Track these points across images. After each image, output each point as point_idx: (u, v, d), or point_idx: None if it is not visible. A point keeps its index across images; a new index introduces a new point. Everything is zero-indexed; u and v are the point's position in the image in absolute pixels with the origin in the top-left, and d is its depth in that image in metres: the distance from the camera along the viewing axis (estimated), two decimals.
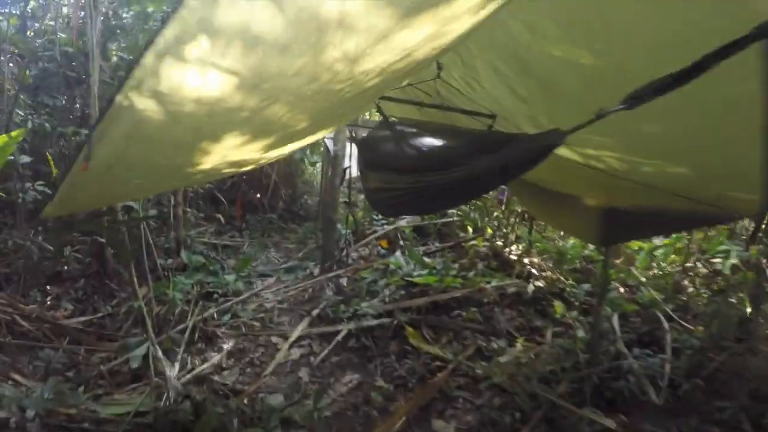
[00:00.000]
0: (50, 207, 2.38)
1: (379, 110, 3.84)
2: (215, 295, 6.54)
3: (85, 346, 5.34)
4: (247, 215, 11.17)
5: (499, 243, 8.16)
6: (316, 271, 7.45)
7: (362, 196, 11.43)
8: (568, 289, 6.91)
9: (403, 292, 6.28)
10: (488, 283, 6.49)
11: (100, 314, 6.19)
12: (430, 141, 3.51)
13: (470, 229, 8.80)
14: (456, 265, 6.86)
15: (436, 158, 3.21)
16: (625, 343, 5.10)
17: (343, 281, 6.94)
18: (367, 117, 7.43)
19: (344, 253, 7.50)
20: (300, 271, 7.63)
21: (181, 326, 5.54)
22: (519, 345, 5.37)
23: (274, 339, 5.56)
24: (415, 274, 6.64)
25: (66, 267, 6.96)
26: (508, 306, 6.44)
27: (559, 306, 6.18)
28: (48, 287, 6.80)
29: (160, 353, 4.74)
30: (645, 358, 4.82)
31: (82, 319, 6.02)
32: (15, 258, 6.72)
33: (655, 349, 5.09)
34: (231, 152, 2.40)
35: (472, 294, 6.23)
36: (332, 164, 7.54)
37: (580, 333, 5.35)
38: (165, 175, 2.77)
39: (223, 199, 11.02)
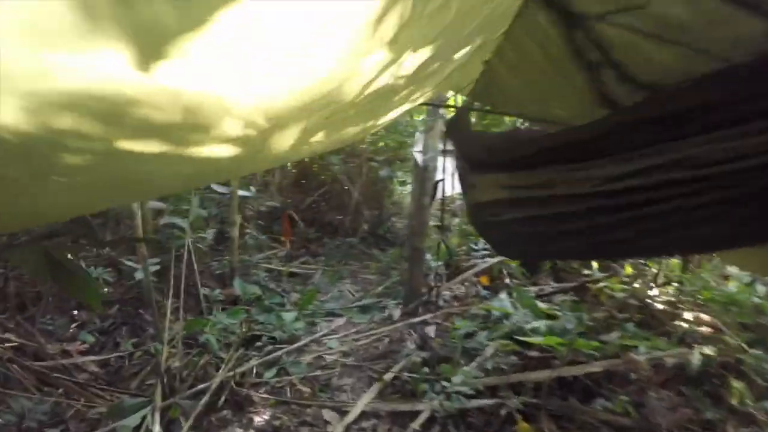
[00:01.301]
0: None
1: None
2: (263, 340, 5.05)
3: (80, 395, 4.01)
4: (324, 239, 9.78)
5: (640, 285, 6.06)
6: (397, 313, 5.78)
7: (457, 219, 9.67)
8: (746, 359, 4.71)
9: (513, 356, 4.42)
10: (635, 348, 4.48)
11: (121, 352, 4.91)
12: None
13: (595, 264, 6.73)
14: (585, 317, 4.89)
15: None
16: None
17: (431, 330, 5.21)
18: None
19: (433, 291, 5.78)
20: (377, 311, 5.99)
21: (205, 384, 4.07)
22: None
23: (326, 414, 3.92)
24: (527, 327, 4.77)
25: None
26: (663, 385, 4.40)
27: (737, 387, 4.10)
28: (76, 312, 5.70)
29: (157, 427, 3.28)
30: None
31: (95, 358, 4.77)
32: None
33: None
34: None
35: (614, 366, 4.25)
36: (421, 179, 5.89)
37: None
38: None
39: (299, 219, 9.71)
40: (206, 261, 6.59)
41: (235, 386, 4.16)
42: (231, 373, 4.20)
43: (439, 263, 6.07)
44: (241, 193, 6.57)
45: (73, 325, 5.52)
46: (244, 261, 6.77)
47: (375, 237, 10.83)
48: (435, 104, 5.07)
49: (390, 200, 12.76)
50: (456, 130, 3.47)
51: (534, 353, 4.42)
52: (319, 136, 1.82)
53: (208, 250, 6.78)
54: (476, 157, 2.51)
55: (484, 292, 5.82)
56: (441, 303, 5.72)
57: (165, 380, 3.96)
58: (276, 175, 10.00)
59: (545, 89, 2.87)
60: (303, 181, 11.04)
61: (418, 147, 9.70)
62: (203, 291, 5.80)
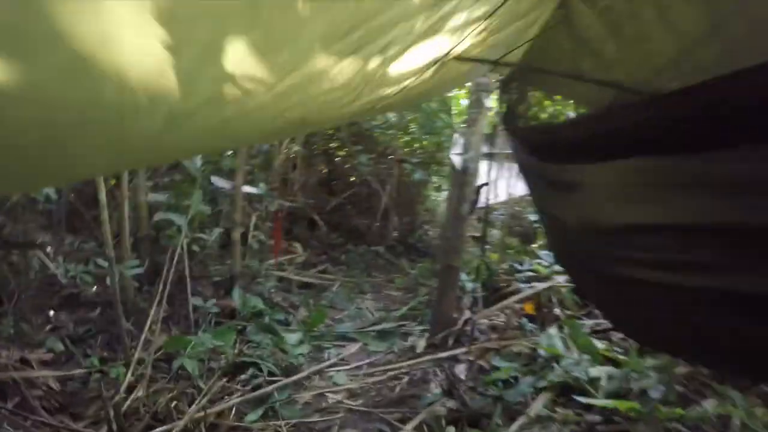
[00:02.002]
0: None
1: None
2: (252, 370, 4.13)
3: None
4: (348, 245, 8.85)
5: None
6: (421, 343, 4.78)
7: (497, 231, 8.61)
8: None
9: (569, 420, 3.37)
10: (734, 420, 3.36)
11: (87, 368, 4.09)
12: None
13: None
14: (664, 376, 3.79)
15: None
16: None
17: (461, 370, 4.20)
18: None
19: (466, 319, 4.77)
20: (398, 339, 5.01)
21: (166, 427, 3.18)
22: None
23: None
24: (584, 376, 3.74)
25: (77, 290, 5.08)
26: None
27: None
28: (52, 313, 4.95)
29: None
30: None
31: (52, 373, 3.95)
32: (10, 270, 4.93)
33: None
34: None
35: None
36: (459, 184, 4.89)
37: None
38: None
39: (321, 222, 8.82)
40: (207, 266, 5.74)
41: (207, 428, 3.26)
42: (202, 413, 3.30)
43: (476, 285, 5.07)
44: (247, 189, 5.71)
45: (47, 328, 4.76)
46: (252, 267, 5.89)
47: (404, 246, 9.86)
48: (481, 60, 4.10)
49: (423, 207, 11.78)
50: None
51: (595, 417, 3.37)
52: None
53: (213, 253, 5.93)
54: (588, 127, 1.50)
55: (529, 325, 4.76)
56: (476, 334, 4.69)
57: (114, 417, 3.08)
58: (299, 173, 9.16)
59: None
60: (332, 182, 10.16)
61: (457, 148, 8.70)
62: (195, 301, 4.94)
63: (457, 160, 7.86)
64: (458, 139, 9.01)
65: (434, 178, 11.88)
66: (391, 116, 10.11)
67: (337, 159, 10.19)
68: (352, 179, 9.69)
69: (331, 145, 10.09)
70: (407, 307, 5.82)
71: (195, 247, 5.39)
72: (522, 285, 5.01)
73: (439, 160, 11.00)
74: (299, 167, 9.27)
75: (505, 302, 5.10)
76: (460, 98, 10.31)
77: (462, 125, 10.60)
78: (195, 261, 5.47)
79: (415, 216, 10.90)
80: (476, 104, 4.60)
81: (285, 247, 6.64)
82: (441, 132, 10.67)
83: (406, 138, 10.57)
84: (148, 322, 4.56)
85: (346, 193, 9.56)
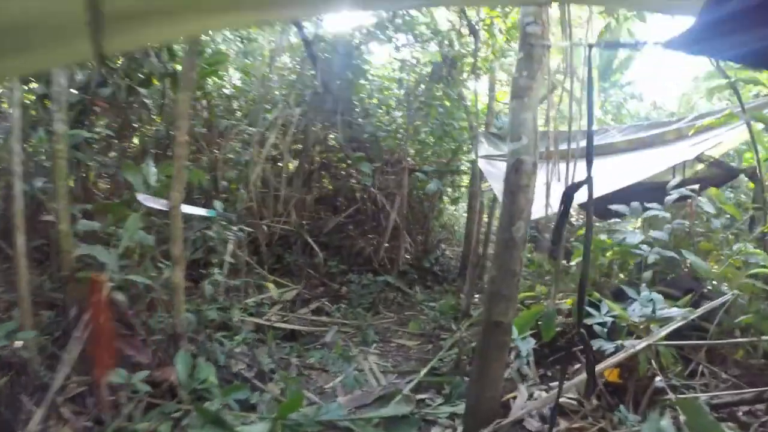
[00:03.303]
0: None
1: None
2: None
3: None
4: (350, 274, 7.21)
5: None
6: None
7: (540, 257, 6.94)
8: None
9: None
10: None
11: None
12: None
13: None
14: None
15: None
16: None
17: None
18: None
19: (522, 404, 3.09)
20: (416, 428, 3.33)
21: None
22: None
23: None
24: None
25: None
26: None
27: None
28: None
29: None
30: None
31: None
32: None
33: None
34: None
35: None
36: (509, 192, 3.19)
37: None
38: None
39: (318, 250, 7.19)
40: (147, 318, 4.13)
41: None
42: None
43: (530, 346, 3.40)
44: (190, 210, 4.13)
45: None
46: (206, 317, 4.28)
47: (418, 271, 8.22)
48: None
49: (438, 223, 10.15)
50: None
51: None
52: None
53: (159, 299, 4.32)
54: None
55: (620, 411, 3.06)
56: (534, 425, 3.02)
57: None
58: (293, 190, 7.57)
59: None
60: (334, 199, 8.52)
61: (482, 151, 7.07)
62: (118, 374, 3.34)
63: (484, 165, 6.23)
64: (482, 139, 7.41)
65: (449, 189, 10.31)
66: (398, 116, 8.54)
67: (340, 171, 8.61)
68: (356, 194, 8.08)
69: (332, 156, 8.53)
70: (427, 368, 4.14)
71: (120, 296, 3.79)
72: (604, 344, 3.31)
73: (454, 167, 9.41)
74: (294, 183, 7.71)
75: (578, 373, 3.41)
76: (480, 96, 8.74)
77: (481, 127, 9.01)
78: (122, 311, 3.86)
79: (430, 234, 9.26)
80: (527, 64, 2.96)
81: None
82: (457, 135, 9.09)
83: (417, 144, 9.00)
84: (39, 413, 3.02)
85: (348, 211, 7.94)
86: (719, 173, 5.93)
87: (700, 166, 6.38)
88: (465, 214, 11.13)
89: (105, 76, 5.78)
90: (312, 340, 5.12)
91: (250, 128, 6.86)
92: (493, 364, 2.98)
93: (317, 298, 6.56)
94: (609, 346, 3.13)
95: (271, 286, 5.36)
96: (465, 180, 9.79)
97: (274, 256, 7.50)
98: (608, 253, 7.67)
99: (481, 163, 6.36)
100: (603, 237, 8.33)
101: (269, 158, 6.65)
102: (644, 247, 4.41)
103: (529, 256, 10.04)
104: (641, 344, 3.13)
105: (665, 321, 3.25)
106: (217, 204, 4.74)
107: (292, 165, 8.17)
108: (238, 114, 7.67)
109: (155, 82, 6.94)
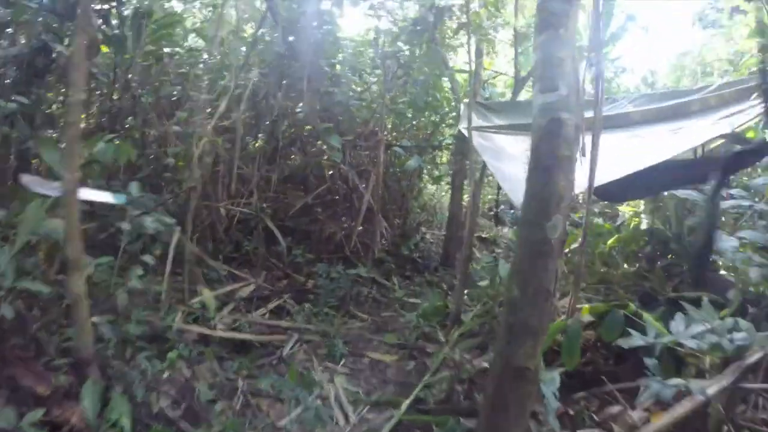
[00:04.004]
0: None
1: None
2: None
3: None
4: (319, 264, 6.26)
5: None
6: None
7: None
8: None
9: None
10: None
11: None
12: None
13: None
14: None
15: None
16: None
17: None
18: None
19: None
20: None
21: None
22: None
23: None
24: None
25: None
26: None
27: None
28: None
29: None
30: None
31: None
32: None
33: None
34: None
35: None
36: (538, 168, 2.28)
37: None
38: None
39: (280, 237, 6.22)
40: (45, 339, 3.15)
41: None
42: None
43: (557, 385, 2.53)
44: (95, 197, 3.14)
45: None
46: (130, 333, 3.32)
47: (396, 259, 7.32)
48: None
49: (417, 203, 9.23)
50: None
51: None
52: None
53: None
54: None
55: None
56: None
57: None
58: (256, 168, 6.56)
59: None
60: (305, 177, 7.48)
61: (464, 123, 6.14)
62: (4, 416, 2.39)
63: (476, 138, 5.30)
64: (465, 110, 6.47)
65: (429, 167, 9.35)
66: (374, 82, 7.52)
67: (309, 146, 7.58)
68: (326, 172, 7.06)
69: (300, 129, 7.47)
70: (410, 399, 3.25)
71: (6, 311, 2.81)
72: (661, 387, 2.43)
73: (436, 142, 8.46)
74: (258, 159, 6.68)
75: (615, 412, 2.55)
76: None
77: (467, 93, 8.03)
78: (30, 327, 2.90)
79: (408, 216, 8.34)
80: None
81: None
82: (439, 106, 8.13)
83: (394, 116, 8.01)
84: None
85: (317, 191, 6.95)
86: (748, 150, 5.10)
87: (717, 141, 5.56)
88: (444, 194, 10.29)
89: (47, 42, 4.79)
90: (267, 353, 4.19)
91: (201, 95, 5.80)
92: (516, 416, 2.08)
93: (279, 294, 5.62)
94: (667, 391, 2.25)
95: (206, 292, 4.35)
96: (446, 156, 8.86)
97: (233, 243, 6.52)
98: (609, 240, 6.88)
99: (474, 136, 5.43)
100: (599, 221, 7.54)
101: (219, 129, 5.60)
102: None
103: (515, 239, 9.25)
104: (713, 386, 2.26)
105: (742, 352, 2.39)
106: (133, 186, 3.72)
107: (258, 141, 7.14)
108: (205, 83, 6.60)
109: (104, 49, 5.90)
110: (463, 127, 5.65)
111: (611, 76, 11.17)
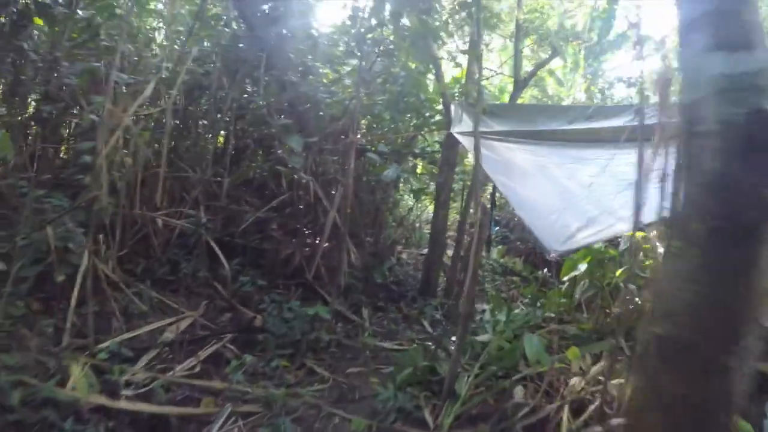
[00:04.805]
0: None
1: None
2: None
3: None
4: (272, 294, 5.03)
5: None
6: None
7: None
8: None
9: None
10: None
11: None
12: None
13: None
14: None
15: None
16: None
17: None
18: None
19: None
20: None
21: None
22: None
23: None
24: None
25: None
26: None
27: None
28: None
29: None
30: None
31: None
32: None
33: None
34: None
35: None
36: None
37: None
38: None
39: (224, 259, 4.98)
40: None
41: None
42: None
43: None
44: None
45: None
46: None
47: (367, 286, 6.14)
48: None
49: (394, 218, 8.02)
50: None
51: None
52: None
53: None
54: None
55: None
56: None
57: None
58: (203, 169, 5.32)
59: None
60: (265, 185, 6.21)
61: (461, 128, 5.04)
62: None
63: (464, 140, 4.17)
64: (458, 111, 5.37)
65: (408, 176, 8.16)
66: (347, 74, 6.33)
67: (268, 147, 6.34)
68: (285, 180, 5.82)
69: (261, 127, 6.21)
70: None
71: None
72: None
73: (419, 148, 7.33)
74: (206, 163, 5.45)
75: None
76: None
77: (457, 94, 6.90)
78: None
79: (382, 232, 7.17)
80: None
81: None
82: (421, 108, 6.99)
83: (371, 117, 6.85)
84: None
85: (272, 203, 5.71)
86: None
87: None
88: (425, 207, 9.18)
89: None
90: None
91: (124, 76, 4.52)
92: None
93: (219, 334, 4.39)
94: None
95: (75, 369, 3.02)
96: (427, 166, 7.71)
97: (170, 264, 5.26)
98: (618, 271, 5.79)
99: (466, 143, 4.33)
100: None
101: (141, 120, 4.34)
102: None
103: (501, 261, 8.14)
104: None
105: None
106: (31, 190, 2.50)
107: (207, 139, 5.88)
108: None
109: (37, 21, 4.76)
110: (457, 131, 4.54)
111: (605, 87, 10.30)
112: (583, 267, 6.14)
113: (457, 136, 4.51)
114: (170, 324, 4.37)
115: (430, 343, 4.51)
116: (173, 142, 5.83)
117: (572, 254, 5.15)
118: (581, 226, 3.08)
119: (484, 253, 8.11)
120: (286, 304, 4.51)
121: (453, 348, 3.23)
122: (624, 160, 3.22)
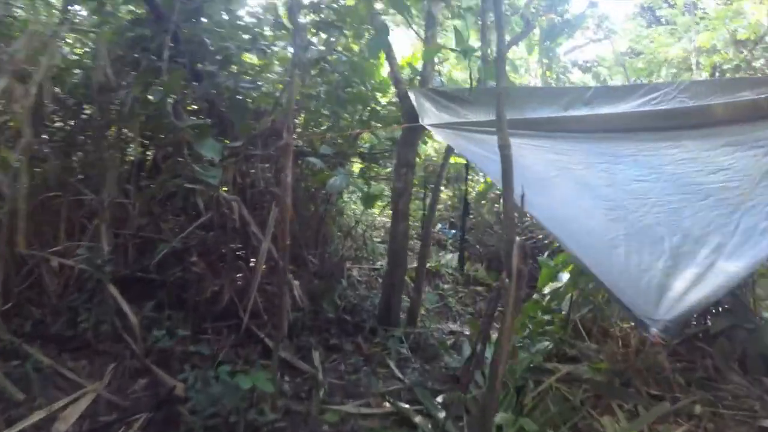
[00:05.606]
0: None
1: None
2: None
3: None
4: (190, 347, 3.84)
5: None
6: None
7: None
8: None
9: None
10: None
11: None
12: None
13: None
14: None
15: None
16: None
17: None
18: None
19: None
20: None
21: None
22: None
23: None
24: None
25: None
26: None
27: None
28: None
29: None
30: None
31: None
32: None
33: None
34: None
35: None
36: None
37: None
38: None
39: (128, 310, 3.73)
40: None
41: None
42: None
43: None
44: None
45: None
46: None
47: (316, 320, 5.01)
48: None
49: (336, 225, 6.87)
50: None
51: None
52: None
53: None
54: None
55: None
56: None
57: None
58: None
59: None
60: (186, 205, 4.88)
61: (427, 118, 3.97)
62: None
63: (453, 140, 3.15)
64: (422, 104, 4.29)
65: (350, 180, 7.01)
66: (276, 64, 5.16)
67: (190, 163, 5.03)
68: (201, 198, 4.56)
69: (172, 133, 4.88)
70: None
71: None
72: None
73: (368, 148, 6.25)
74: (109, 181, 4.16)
75: None
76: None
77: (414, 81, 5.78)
78: None
79: (325, 248, 6.03)
80: None
81: None
82: (366, 99, 5.89)
83: (309, 111, 5.70)
84: None
85: (190, 228, 4.46)
86: None
87: None
88: (375, 214, 8.12)
89: None
90: None
91: None
92: None
93: (128, 416, 3.20)
94: None
95: None
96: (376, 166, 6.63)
97: (70, 312, 4.01)
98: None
99: (442, 137, 3.29)
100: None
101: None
102: None
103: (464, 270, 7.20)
104: None
105: None
106: None
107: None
108: None
109: None
110: (428, 123, 3.51)
111: (561, 71, 9.60)
112: (565, 277, 5.27)
113: (432, 130, 3.47)
114: (64, 407, 3.19)
115: (406, 405, 3.48)
116: (67, 159, 4.57)
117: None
118: (669, 267, 1.87)
119: (454, 267, 7.17)
120: (212, 372, 3.32)
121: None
122: (687, 155, 2.24)
